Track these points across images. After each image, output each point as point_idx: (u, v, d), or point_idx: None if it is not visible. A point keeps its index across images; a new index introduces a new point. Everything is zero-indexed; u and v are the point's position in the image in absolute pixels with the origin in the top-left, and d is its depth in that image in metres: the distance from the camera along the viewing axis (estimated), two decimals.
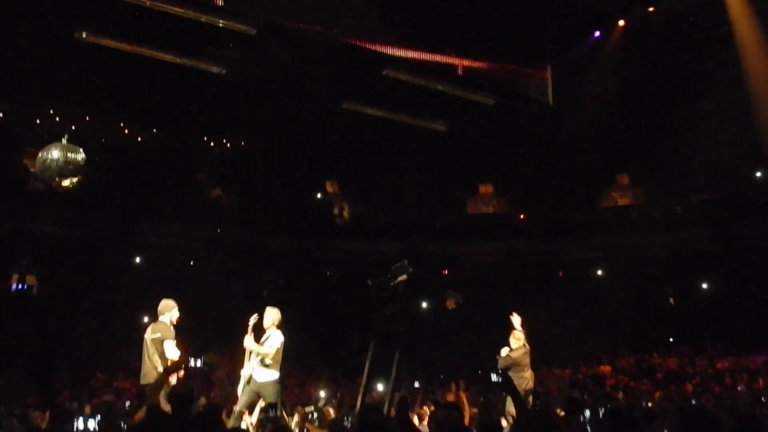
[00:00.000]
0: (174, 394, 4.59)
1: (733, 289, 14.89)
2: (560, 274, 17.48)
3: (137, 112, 15.11)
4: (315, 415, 7.89)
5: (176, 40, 9.01)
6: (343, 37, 9.10)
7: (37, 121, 15.08)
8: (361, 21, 9.14)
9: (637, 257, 16.39)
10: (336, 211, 18.38)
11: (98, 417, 7.67)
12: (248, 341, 6.57)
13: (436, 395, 10.22)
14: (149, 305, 7.57)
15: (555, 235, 17.29)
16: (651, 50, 14.08)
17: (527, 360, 7.95)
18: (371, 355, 5.53)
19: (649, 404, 9.22)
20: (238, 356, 7.57)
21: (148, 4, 7.76)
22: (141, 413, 5.56)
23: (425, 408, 8.16)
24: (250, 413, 6.60)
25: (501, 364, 7.86)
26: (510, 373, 7.54)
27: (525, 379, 7.85)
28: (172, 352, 6.15)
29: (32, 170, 11.29)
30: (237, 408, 6.53)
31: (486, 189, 18.99)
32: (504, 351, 8.01)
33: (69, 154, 6.28)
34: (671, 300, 16.31)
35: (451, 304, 17.52)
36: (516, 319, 8.08)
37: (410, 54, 9.56)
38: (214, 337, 13.55)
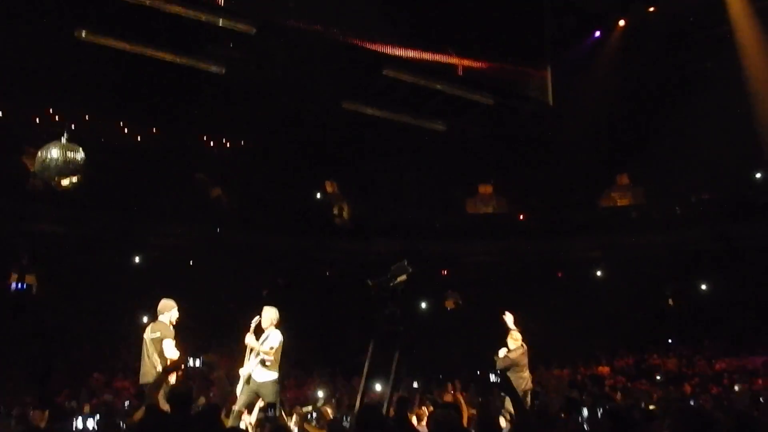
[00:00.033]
0: (173, 394, 4.59)
1: (732, 290, 14.89)
2: (559, 275, 17.48)
3: (137, 112, 15.11)
4: (314, 414, 7.88)
5: (176, 39, 8.99)
6: (342, 36, 9.09)
7: (37, 121, 15.08)
8: (361, 20, 9.13)
9: (637, 257, 16.39)
10: (335, 211, 18.38)
11: (97, 416, 7.66)
12: (250, 338, 6.58)
13: (434, 395, 10.23)
14: (148, 305, 7.57)
15: (554, 235, 17.29)
16: (651, 50, 14.07)
17: (525, 360, 7.96)
18: (370, 355, 5.53)
19: (648, 405, 9.21)
20: (237, 356, 7.57)
21: (147, 3, 7.75)
22: (140, 413, 5.56)
23: (424, 408, 8.16)
24: (249, 413, 6.60)
25: (500, 365, 7.86)
26: (509, 374, 7.54)
27: (524, 380, 7.86)
28: (171, 351, 6.16)
29: (32, 169, 11.29)
30: (236, 407, 6.53)
31: (485, 189, 18.99)
32: (502, 352, 8.01)
33: (68, 154, 6.28)
34: (670, 300, 16.32)
35: (450, 305, 17.53)
36: (509, 318, 8.08)
37: (410, 54, 9.55)
38: (213, 337, 13.56)
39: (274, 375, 6.54)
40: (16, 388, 10.27)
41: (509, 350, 7.96)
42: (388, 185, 16.96)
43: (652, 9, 13.18)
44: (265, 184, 17.24)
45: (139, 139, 17.02)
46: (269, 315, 6.70)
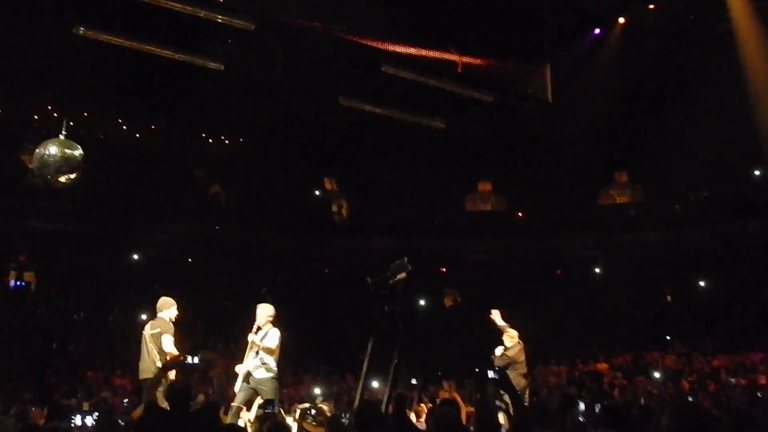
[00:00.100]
0: (172, 392, 4.59)
1: (731, 288, 14.92)
2: (558, 272, 17.50)
3: (136, 109, 15.07)
4: (313, 412, 7.89)
5: (174, 35, 8.98)
6: (342, 33, 9.08)
7: (35, 117, 15.04)
8: (361, 17, 9.11)
9: (635, 255, 16.41)
10: (334, 209, 18.38)
11: (96, 414, 7.65)
12: (254, 336, 6.59)
13: (430, 392, 10.24)
14: (147, 302, 7.57)
15: (553, 232, 17.30)
16: (651, 48, 14.05)
17: (523, 357, 7.97)
18: (370, 353, 5.53)
19: (647, 402, 9.23)
20: (235, 353, 7.58)
21: None
22: (139, 410, 5.57)
23: (423, 405, 8.17)
24: (248, 410, 6.61)
25: (498, 363, 7.87)
26: (507, 372, 7.55)
27: (522, 377, 7.87)
28: (170, 346, 6.18)
29: (30, 166, 11.26)
30: (234, 404, 6.53)
31: (485, 186, 18.99)
32: (499, 350, 8.02)
33: (66, 151, 6.26)
34: (669, 298, 16.34)
35: (448, 302, 17.54)
36: (496, 315, 8.08)
37: (409, 50, 9.54)
38: (212, 334, 13.55)
39: (272, 372, 6.55)
40: (14, 385, 10.26)
41: (506, 348, 7.96)
42: (387, 183, 16.95)
43: (652, 6, 13.16)
44: (264, 182, 17.23)
45: (137, 136, 17.00)
46: (265, 312, 6.70)
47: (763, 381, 10.48)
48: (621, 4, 13.32)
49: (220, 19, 8.39)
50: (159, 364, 6.04)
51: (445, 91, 10.56)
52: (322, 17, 8.79)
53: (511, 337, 8.00)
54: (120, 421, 6.50)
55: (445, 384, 10.31)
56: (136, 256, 15.65)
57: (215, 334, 13.52)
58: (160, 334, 6.23)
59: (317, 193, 18.83)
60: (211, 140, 18.13)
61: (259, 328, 6.64)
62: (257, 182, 17.31)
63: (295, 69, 10.45)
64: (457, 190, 18.98)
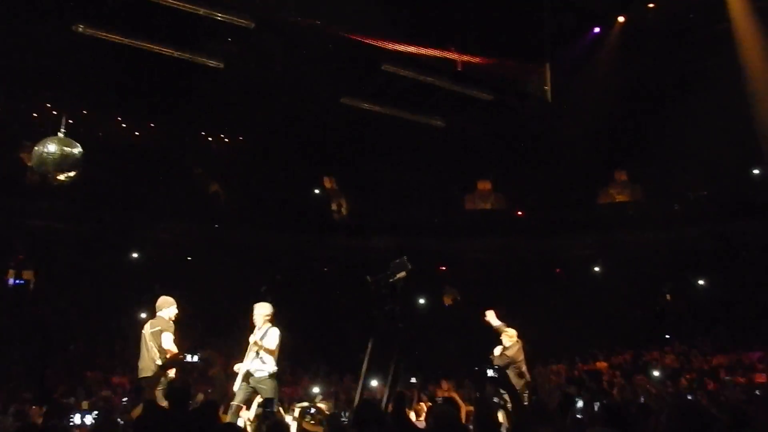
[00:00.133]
0: (171, 390, 4.60)
1: (730, 287, 14.93)
2: (557, 271, 17.51)
3: (135, 107, 15.04)
4: (312, 411, 7.89)
5: (174, 33, 8.97)
6: (341, 31, 9.07)
7: (34, 115, 15.01)
8: (360, 16, 9.11)
9: (635, 254, 16.41)
10: (334, 208, 18.37)
11: (95, 412, 7.66)
12: (254, 335, 6.59)
13: (429, 391, 10.26)
14: (146, 301, 7.57)
15: (552, 231, 17.29)
16: (650, 47, 14.04)
17: (522, 356, 7.98)
18: (369, 352, 5.53)
19: (646, 400, 9.24)
20: (235, 352, 7.57)
21: None
22: (138, 409, 5.56)
23: (422, 404, 8.17)
24: (248, 408, 6.61)
25: (497, 363, 7.87)
26: (507, 371, 7.56)
27: (522, 376, 7.88)
28: (170, 344, 6.19)
29: (29, 164, 11.26)
30: (234, 403, 6.53)
31: (484, 185, 18.97)
32: (497, 350, 8.02)
33: (65, 148, 6.25)
34: (668, 297, 16.36)
35: (448, 300, 17.55)
36: (491, 316, 8.09)
37: (409, 49, 9.54)
38: (211, 333, 13.55)
39: (272, 371, 6.55)
40: (13, 384, 10.25)
41: (505, 348, 7.96)
42: (387, 182, 16.94)
43: (651, 5, 13.15)
44: (264, 181, 17.21)
45: (137, 134, 16.97)
46: (262, 312, 6.68)
47: (761, 379, 10.50)
48: (621, 3, 13.32)
49: (219, 17, 8.39)
50: (159, 363, 6.04)
51: (445, 90, 10.56)
52: (321, 16, 8.78)
53: (509, 337, 8.00)
54: (119, 419, 6.50)
55: (444, 384, 10.32)
56: (135, 255, 15.64)
57: (214, 332, 13.51)
58: (160, 332, 6.24)
59: (317, 191, 18.81)
60: (210, 139, 18.10)
61: (255, 327, 6.64)
62: (257, 181, 17.29)
63: (294, 67, 10.45)
64: (457, 189, 18.97)
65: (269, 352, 6.48)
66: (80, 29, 8.45)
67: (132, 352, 7.35)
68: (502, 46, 10.45)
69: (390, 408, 5.28)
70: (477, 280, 16.85)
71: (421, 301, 16.90)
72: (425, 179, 17.29)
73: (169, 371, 5.72)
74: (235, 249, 16.04)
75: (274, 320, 6.72)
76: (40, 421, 7.14)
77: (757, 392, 9.57)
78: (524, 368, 8.01)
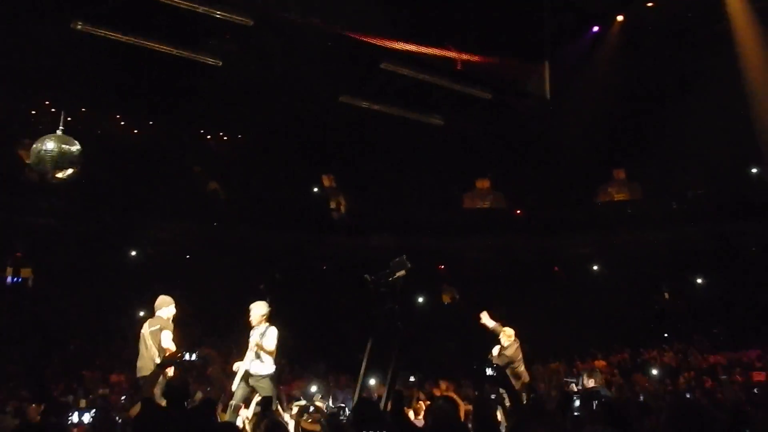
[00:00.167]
0: (169, 389, 4.59)
1: (728, 286, 14.96)
2: (556, 270, 17.52)
3: (134, 105, 15.02)
4: (310, 409, 7.90)
5: (173, 31, 8.95)
6: (341, 29, 9.05)
7: (33, 113, 14.98)
8: (360, 14, 9.09)
9: (633, 253, 16.43)
10: (333, 206, 18.36)
11: (93, 411, 7.66)
12: (253, 335, 6.58)
13: (427, 389, 10.26)
14: (145, 299, 7.55)
15: (551, 230, 17.31)
16: (649, 46, 14.05)
17: (520, 355, 7.99)
18: (368, 350, 5.53)
19: (644, 399, 9.26)
20: (233, 350, 7.57)
21: None
22: (136, 408, 5.55)
23: (421, 403, 8.18)
24: (246, 407, 6.61)
25: (497, 362, 7.88)
26: (507, 370, 7.57)
27: (521, 374, 7.89)
28: (168, 342, 6.19)
29: (27, 162, 11.23)
30: (233, 402, 6.53)
31: (483, 184, 18.98)
32: (496, 350, 8.03)
33: (64, 146, 6.23)
34: (666, 295, 16.38)
35: (447, 299, 17.56)
36: (485, 317, 8.11)
37: (408, 47, 9.52)
38: (209, 332, 13.54)
39: (270, 370, 6.55)
40: (11, 382, 10.24)
41: (503, 347, 7.97)
42: (386, 180, 16.94)
43: (650, 4, 13.15)
44: (263, 179, 17.19)
45: (135, 132, 16.94)
46: (259, 312, 6.66)
47: (760, 378, 10.52)
48: (620, 2, 13.31)
49: (218, 14, 8.36)
50: (158, 362, 6.03)
51: (444, 88, 10.54)
52: (320, 14, 8.76)
53: (507, 336, 8.01)
54: (117, 418, 6.50)
55: (443, 384, 10.34)
56: (133, 253, 15.62)
57: (214, 331, 13.50)
58: (160, 330, 6.24)
59: (316, 190, 18.80)
60: (209, 137, 18.08)
61: (252, 327, 6.64)
62: (256, 180, 17.28)
63: (293, 66, 10.43)
64: (456, 188, 18.98)
65: (269, 352, 6.48)
66: (79, 27, 8.42)
67: (131, 350, 7.35)
68: (501, 45, 10.43)
69: (389, 407, 5.28)
70: (476, 278, 16.86)
71: (420, 299, 16.91)
72: (424, 178, 17.29)
73: (167, 370, 5.72)
74: (234, 247, 16.03)
75: (271, 319, 6.71)
76: (38, 419, 7.14)
77: (755, 391, 9.59)
78: (523, 367, 8.02)
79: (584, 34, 13.84)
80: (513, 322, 8.56)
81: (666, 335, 14.69)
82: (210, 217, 16.50)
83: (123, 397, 9.49)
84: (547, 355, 13.37)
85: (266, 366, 6.53)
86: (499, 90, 10.95)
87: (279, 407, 7.01)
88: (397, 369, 5.61)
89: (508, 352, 7.88)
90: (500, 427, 4.88)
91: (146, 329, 6.36)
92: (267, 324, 6.64)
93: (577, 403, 7.11)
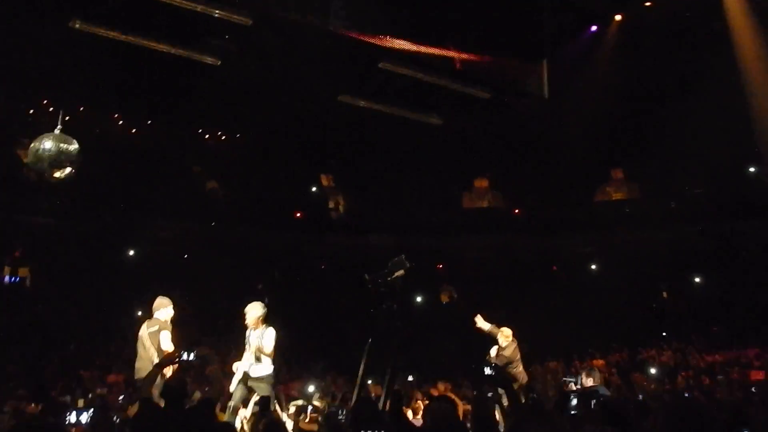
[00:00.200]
0: (168, 388, 4.58)
1: (726, 285, 14.98)
2: (555, 269, 17.54)
3: (132, 104, 15.00)
4: (309, 409, 7.89)
5: (171, 30, 8.94)
6: (339, 29, 9.04)
7: (31, 112, 14.95)
8: (358, 13, 9.09)
9: (632, 252, 16.45)
10: (331, 205, 18.36)
11: (91, 410, 7.63)
12: (252, 336, 6.57)
13: (425, 389, 10.26)
14: (143, 298, 7.54)
15: (550, 229, 17.32)
16: (647, 45, 14.06)
17: (519, 355, 7.99)
18: (368, 350, 5.53)
19: (643, 398, 9.26)
20: (231, 350, 7.56)
21: None
22: (135, 407, 5.54)
23: (419, 402, 8.17)
24: (244, 406, 6.60)
25: (496, 363, 7.88)
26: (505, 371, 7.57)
27: (519, 374, 7.89)
28: (167, 343, 6.17)
29: (25, 161, 11.19)
30: (232, 403, 6.52)
31: (481, 183, 18.99)
32: (494, 351, 8.03)
33: (62, 145, 6.22)
34: (665, 294, 16.40)
35: (445, 298, 17.55)
36: (479, 320, 8.13)
37: (407, 47, 9.53)
38: (207, 331, 13.52)
39: (269, 370, 6.54)
40: (9, 381, 10.22)
41: (501, 348, 7.97)
42: (385, 180, 16.94)
43: (648, 4, 13.16)
44: (261, 178, 17.18)
45: (133, 131, 16.91)
46: (256, 313, 6.61)
47: (758, 377, 10.54)
48: (618, 1, 13.32)
49: (217, 14, 8.35)
50: (156, 362, 6.02)
51: (443, 88, 10.55)
52: (319, 13, 8.76)
53: (505, 337, 8.01)
54: (115, 417, 6.49)
55: (441, 385, 10.34)
56: (131, 252, 15.59)
57: (213, 331, 13.49)
58: (158, 332, 6.23)
59: (314, 189, 18.80)
60: (208, 136, 18.05)
61: (248, 329, 6.63)
62: (255, 179, 17.26)
63: (292, 65, 10.42)
64: (455, 187, 18.98)
65: (268, 354, 6.48)
66: (77, 26, 8.41)
67: (129, 350, 7.35)
68: (500, 45, 10.44)
69: (387, 406, 5.28)
70: (475, 278, 16.87)
71: (419, 299, 16.91)
72: (423, 177, 17.29)
73: (165, 369, 5.70)
74: (233, 246, 16.02)
75: (267, 320, 6.69)
76: (36, 419, 7.11)
77: (753, 389, 9.60)
78: (521, 368, 8.03)
79: (583, 33, 13.85)
80: (511, 321, 8.56)
81: (664, 334, 14.70)
82: (209, 216, 16.48)
83: (121, 397, 9.47)
84: (546, 354, 13.38)
85: (265, 367, 6.53)
86: (497, 89, 10.95)
87: (277, 407, 7.00)
88: (396, 369, 5.60)
89: (507, 353, 7.88)
90: (498, 427, 4.87)
91: (144, 330, 6.35)
92: (264, 326, 6.62)
93: (575, 401, 7.13)
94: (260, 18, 8.65)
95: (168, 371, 5.76)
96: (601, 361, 13.01)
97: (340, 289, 15.50)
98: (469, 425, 4.91)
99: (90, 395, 9.58)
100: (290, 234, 17.10)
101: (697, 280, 16.19)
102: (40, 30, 10.02)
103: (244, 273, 15.08)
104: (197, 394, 8.67)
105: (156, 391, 5.31)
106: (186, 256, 16.22)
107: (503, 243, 17.67)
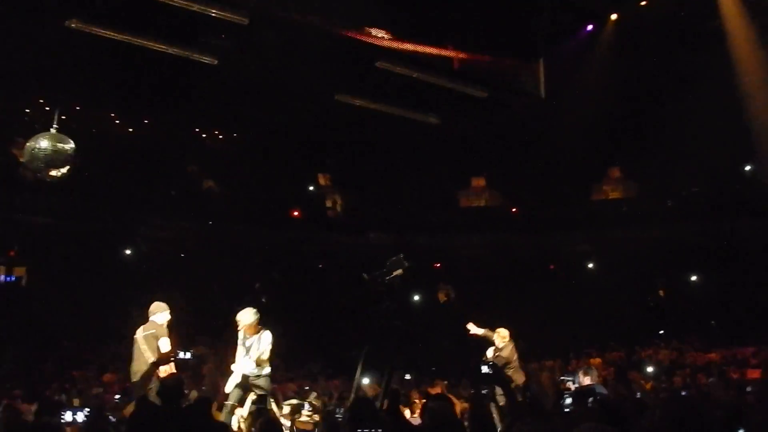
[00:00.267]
0: (164, 387, 4.57)
1: (723, 283, 15.03)
2: (552, 267, 17.57)
3: (128, 103, 14.96)
4: (306, 408, 7.89)
5: (168, 29, 8.90)
6: (336, 28, 9.02)
7: (27, 111, 14.90)
8: (356, 12, 9.07)
9: (628, 250, 16.49)
10: (329, 204, 18.36)
11: (87, 410, 7.61)
12: (249, 340, 6.55)
13: (423, 389, 10.26)
14: (140, 297, 7.52)
15: (547, 228, 17.35)
16: (644, 44, 14.09)
17: (516, 355, 8.00)
18: (366, 349, 5.53)
19: (640, 396, 9.27)
20: (228, 349, 7.53)
21: None
22: (131, 407, 5.53)
23: (417, 401, 8.17)
24: (241, 406, 6.59)
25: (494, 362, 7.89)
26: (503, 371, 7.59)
27: (517, 374, 7.90)
28: (166, 348, 6.17)
29: (21, 160, 11.15)
30: (229, 403, 6.50)
31: (478, 182, 19.02)
32: (490, 352, 8.03)
33: (58, 144, 6.20)
34: (661, 293, 16.45)
35: (442, 297, 17.56)
36: (472, 327, 8.14)
37: (404, 46, 9.51)
38: (204, 330, 13.50)
39: (266, 370, 6.54)
40: (4, 380, 10.18)
41: (498, 349, 7.98)
42: (382, 178, 16.94)
43: (644, 3, 13.18)
44: (258, 177, 17.16)
45: (130, 130, 16.87)
46: (249, 320, 6.52)
47: (755, 375, 10.58)
48: (614, 0, 13.33)
49: (214, 13, 8.31)
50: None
51: (440, 87, 10.53)
52: (316, 12, 8.74)
53: (502, 338, 8.02)
54: (111, 417, 6.47)
55: (438, 385, 10.34)
56: (128, 251, 15.56)
57: (211, 330, 13.47)
58: (156, 335, 6.22)
59: (311, 188, 18.80)
60: (205, 135, 18.03)
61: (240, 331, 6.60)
62: (252, 178, 17.25)
63: (289, 64, 10.39)
64: (452, 186, 18.99)
65: (266, 360, 6.48)
66: (73, 25, 8.37)
67: (126, 350, 7.33)
68: (496, 44, 10.44)
69: (385, 405, 5.28)
70: (472, 276, 16.90)
71: (416, 297, 16.92)
72: (421, 176, 17.30)
73: (160, 369, 5.70)
74: (230, 245, 16.00)
75: (262, 323, 6.63)
76: (31, 418, 7.09)
77: (749, 389, 9.61)
78: (519, 367, 8.03)
79: (579, 32, 13.86)
80: (509, 319, 8.57)
81: (661, 332, 14.74)
82: (206, 215, 16.46)
83: (117, 396, 9.45)
84: (543, 352, 13.40)
85: (263, 366, 6.52)
86: (494, 88, 10.94)
87: (274, 406, 6.99)
88: (393, 367, 5.60)
89: (504, 354, 7.89)
90: (495, 426, 4.88)
91: (140, 334, 6.34)
92: (260, 331, 6.57)
93: (569, 400, 7.14)
94: (257, 17, 8.63)
95: (163, 371, 5.76)
96: (598, 360, 13.03)
97: (337, 288, 15.51)
98: (466, 424, 4.92)
99: (85, 395, 9.55)
100: (288, 233, 17.09)
101: (694, 278, 16.24)
102: (35, 29, 9.97)
103: (242, 272, 15.07)
104: (194, 393, 8.65)
105: (152, 391, 5.30)
106: (183, 255, 16.20)
107: (500, 242, 17.70)
